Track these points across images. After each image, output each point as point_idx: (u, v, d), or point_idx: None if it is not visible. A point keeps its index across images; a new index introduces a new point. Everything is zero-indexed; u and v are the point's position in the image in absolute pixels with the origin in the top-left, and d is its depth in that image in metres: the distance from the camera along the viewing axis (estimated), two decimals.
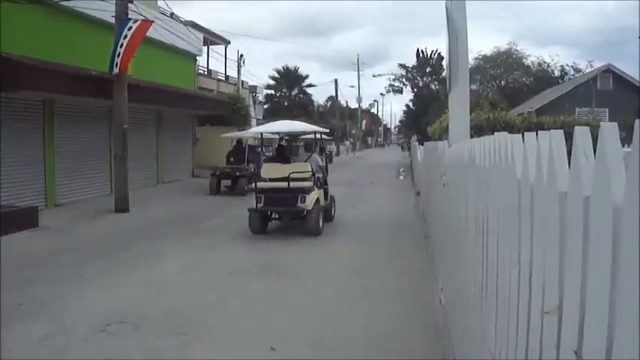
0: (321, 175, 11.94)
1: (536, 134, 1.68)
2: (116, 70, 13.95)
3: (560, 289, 1.38)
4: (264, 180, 11.23)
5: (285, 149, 15.48)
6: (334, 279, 7.62)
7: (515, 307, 1.88)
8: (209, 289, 7.03)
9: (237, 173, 18.90)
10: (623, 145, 1.15)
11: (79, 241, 9.17)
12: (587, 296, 1.19)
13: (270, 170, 11.39)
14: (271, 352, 5.00)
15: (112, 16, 14.37)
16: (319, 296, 6.81)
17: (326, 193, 12.08)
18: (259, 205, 10.88)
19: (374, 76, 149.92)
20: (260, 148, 18.16)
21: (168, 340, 5.26)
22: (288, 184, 10.69)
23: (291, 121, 16.59)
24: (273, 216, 11.48)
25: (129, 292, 7.04)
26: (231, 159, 19.68)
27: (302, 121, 21.16)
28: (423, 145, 17.97)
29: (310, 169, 11.18)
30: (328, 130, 16.17)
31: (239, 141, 20.72)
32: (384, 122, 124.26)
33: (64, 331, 5.59)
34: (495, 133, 2.45)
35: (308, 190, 10.89)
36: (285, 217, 11.59)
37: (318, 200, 11.13)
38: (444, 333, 4.94)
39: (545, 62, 49.02)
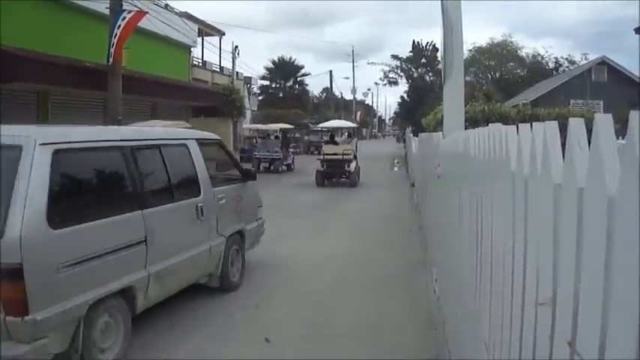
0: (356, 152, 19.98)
1: (531, 126, 1.67)
2: (110, 60, 13.91)
3: (554, 281, 1.38)
4: (325, 154, 19.18)
5: (335, 137, 23.14)
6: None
7: (510, 299, 1.88)
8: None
9: (274, 156, 24.74)
10: (618, 137, 1.15)
11: None
12: (581, 288, 1.19)
13: (328, 149, 19.59)
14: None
15: (106, 8, 14.30)
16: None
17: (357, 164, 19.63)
18: (323, 169, 19.02)
19: (369, 63, 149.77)
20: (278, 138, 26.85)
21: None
22: (342, 157, 18.78)
23: (339, 120, 29.88)
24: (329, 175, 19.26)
25: None
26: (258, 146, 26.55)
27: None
28: (417, 136, 17.99)
29: (352, 149, 19.59)
30: (357, 125, 26.57)
31: (267, 134, 29.03)
32: (379, 114, 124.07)
33: None
34: (490, 125, 2.45)
35: (351, 161, 18.97)
36: (336, 176, 19.33)
37: (356, 166, 19.14)
38: (439, 324, 4.97)
39: (539, 54, 49.03)
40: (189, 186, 6.01)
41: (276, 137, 28.22)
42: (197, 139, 6.47)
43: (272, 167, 24.59)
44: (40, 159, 4.03)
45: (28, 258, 3.78)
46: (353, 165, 18.80)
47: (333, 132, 23.43)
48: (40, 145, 4.07)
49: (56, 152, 4.19)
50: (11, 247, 3.73)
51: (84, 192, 4.73)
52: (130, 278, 4.75)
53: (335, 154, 18.96)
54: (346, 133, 25.89)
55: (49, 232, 3.98)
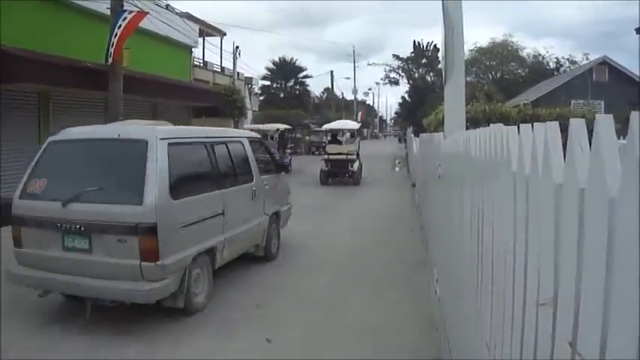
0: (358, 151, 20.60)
1: (532, 126, 1.67)
2: (110, 60, 13.91)
3: (556, 281, 1.38)
4: (329, 153, 19.84)
5: (337, 136, 23.42)
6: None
7: (511, 299, 1.88)
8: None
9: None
10: (619, 137, 1.15)
11: None
12: (582, 288, 1.19)
13: (332, 148, 20.14)
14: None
15: (107, 8, 14.30)
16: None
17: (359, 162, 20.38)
18: (327, 168, 19.71)
19: (369, 64, 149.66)
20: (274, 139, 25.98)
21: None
22: (346, 156, 19.46)
23: (343, 120, 31.23)
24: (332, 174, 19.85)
25: None
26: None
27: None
28: (418, 137, 17.98)
29: (356, 148, 20.49)
30: (359, 125, 27.04)
31: (265, 134, 27.03)
32: (380, 114, 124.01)
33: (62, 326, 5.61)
34: (491, 125, 2.45)
35: (354, 160, 19.66)
36: (340, 175, 19.80)
37: (359, 165, 19.96)
38: (440, 324, 4.96)
39: (540, 54, 49.01)
40: (246, 173, 7.61)
41: (272, 138, 27.70)
42: (248, 138, 8.16)
43: None
44: (161, 149, 5.52)
45: (159, 219, 5.23)
46: (356, 164, 19.54)
47: (335, 133, 23.38)
48: (160, 139, 5.60)
49: (170, 144, 5.71)
50: (148, 211, 5.19)
51: (187, 173, 6.14)
52: (213, 241, 6.28)
53: (339, 153, 19.62)
54: (348, 134, 26.16)
55: (171, 201, 5.47)
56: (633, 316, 0.92)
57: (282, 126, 29.52)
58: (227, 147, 7.22)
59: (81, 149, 6.06)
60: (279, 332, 5.43)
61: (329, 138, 22.50)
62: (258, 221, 7.74)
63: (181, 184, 5.78)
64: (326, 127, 24.70)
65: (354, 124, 25.57)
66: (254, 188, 7.68)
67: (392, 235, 10.43)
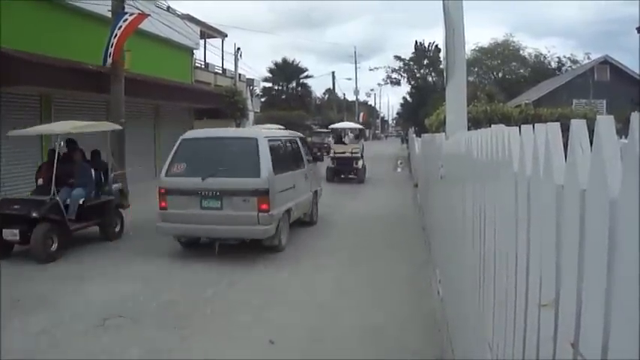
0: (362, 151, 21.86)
1: (533, 127, 1.67)
2: (109, 61, 13.92)
3: (557, 282, 1.38)
4: (335, 152, 21.20)
5: (342, 137, 24.62)
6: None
7: (513, 300, 1.88)
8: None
9: None
10: (621, 137, 1.15)
11: (77, 235, 9.17)
12: (583, 289, 1.19)
13: (338, 148, 21.60)
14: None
15: (108, 10, 14.33)
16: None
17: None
18: (333, 166, 20.90)
19: (370, 69, 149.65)
20: None
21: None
22: (351, 154, 20.75)
23: (347, 122, 35.31)
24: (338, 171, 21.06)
25: (128, 285, 7.09)
26: None
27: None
28: (420, 137, 17.98)
29: (360, 147, 21.42)
30: (362, 126, 30.66)
31: None
32: (382, 114, 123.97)
33: (62, 326, 5.62)
34: (492, 126, 2.45)
35: (358, 158, 20.83)
36: (345, 172, 20.77)
37: (362, 164, 21.06)
38: (443, 325, 4.96)
39: (541, 54, 48.97)
40: (301, 161, 10.70)
41: None
42: (299, 137, 11.57)
43: None
44: (265, 144, 8.65)
45: (270, 186, 8.27)
46: (360, 162, 20.90)
47: (340, 133, 24.77)
48: (264, 137, 8.84)
49: (268, 141, 8.90)
50: (264, 181, 8.24)
51: (277, 159, 8.93)
52: (290, 204, 9.33)
53: (344, 152, 21.05)
54: (351, 135, 27.09)
55: (274, 175, 8.48)
56: (634, 317, 0.92)
57: (274, 126, 29.51)
58: (291, 143, 10.62)
59: (207, 143, 9.12)
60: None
61: (334, 138, 24.05)
62: (308, 195, 10.79)
63: (276, 166, 8.64)
64: (332, 126, 26.79)
65: (358, 125, 28.37)
66: (305, 172, 10.71)
67: (394, 235, 10.42)
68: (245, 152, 8.60)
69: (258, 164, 8.30)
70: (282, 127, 17.55)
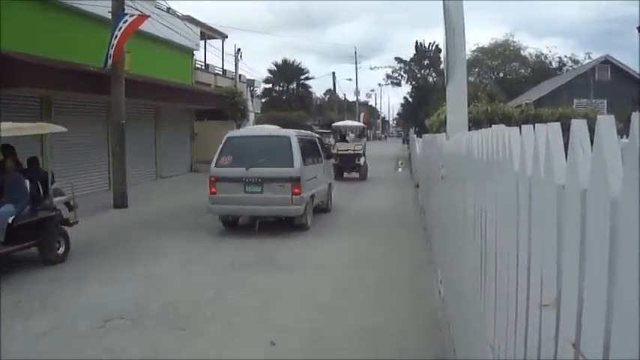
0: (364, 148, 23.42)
1: (534, 127, 1.67)
2: (110, 62, 13.92)
3: (559, 283, 1.38)
4: (339, 149, 21.97)
5: (345, 136, 25.89)
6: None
7: (514, 300, 1.88)
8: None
9: None
10: (622, 136, 1.14)
11: (76, 237, 9.17)
12: (585, 289, 1.19)
13: (341, 145, 22.67)
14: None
15: (109, 12, 14.33)
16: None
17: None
18: (336, 162, 19.93)
19: (371, 68, 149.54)
20: None
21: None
22: (354, 151, 22.09)
23: (352, 121, 36.71)
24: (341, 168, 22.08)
25: (128, 287, 7.06)
26: None
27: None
28: (421, 137, 18.00)
29: (362, 145, 22.73)
30: (364, 125, 31.75)
31: None
32: (382, 115, 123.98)
33: (63, 327, 5.61)
34: (493, 126, 2.45)
35: (361, 156, 22.09)
36: (348, 169, 21.98)
37: (365, 162, 22.33)
38: (444, 325, 4.96)
39: (542, 54, 48.97)
40: (319, 157, 12.59)
41: None
42: (317, 137, 13.71)
43: None
44: (296, 141, 10.74)
45: (301, 174, 10.37)
46: (362, 160, 22.14)
47: (342, 131, 25.77)
48: (294, 135, 11.00)
49: (298, 139, 10.96)
50: (296, 170, 10.33)
51: (304, 153, 10.91)
52: (313, 191, 11.23)
53: (347, 149, 22.22)
54: (353, 135, 27.58)
55: (303, 166, 10.57)
56: (636, 317, 0.92)
57: (271, 127, 29.53)
58: (312, 141, 12.60)
59: (248, 140, 11.31)
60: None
61: (338, 137, 25.04)
62: (325, 186, 12.76)
63: (303, 159, 10.68)
64: (335, 124, 27.69)
65: (360, 123, 31.30)
66: (323, 166, 12.73)
67: (395, 235, 10.43)
68: (280, 147, 10.61)
69: (292, 157, 10.38)
70: (279, 128, 18.01)
